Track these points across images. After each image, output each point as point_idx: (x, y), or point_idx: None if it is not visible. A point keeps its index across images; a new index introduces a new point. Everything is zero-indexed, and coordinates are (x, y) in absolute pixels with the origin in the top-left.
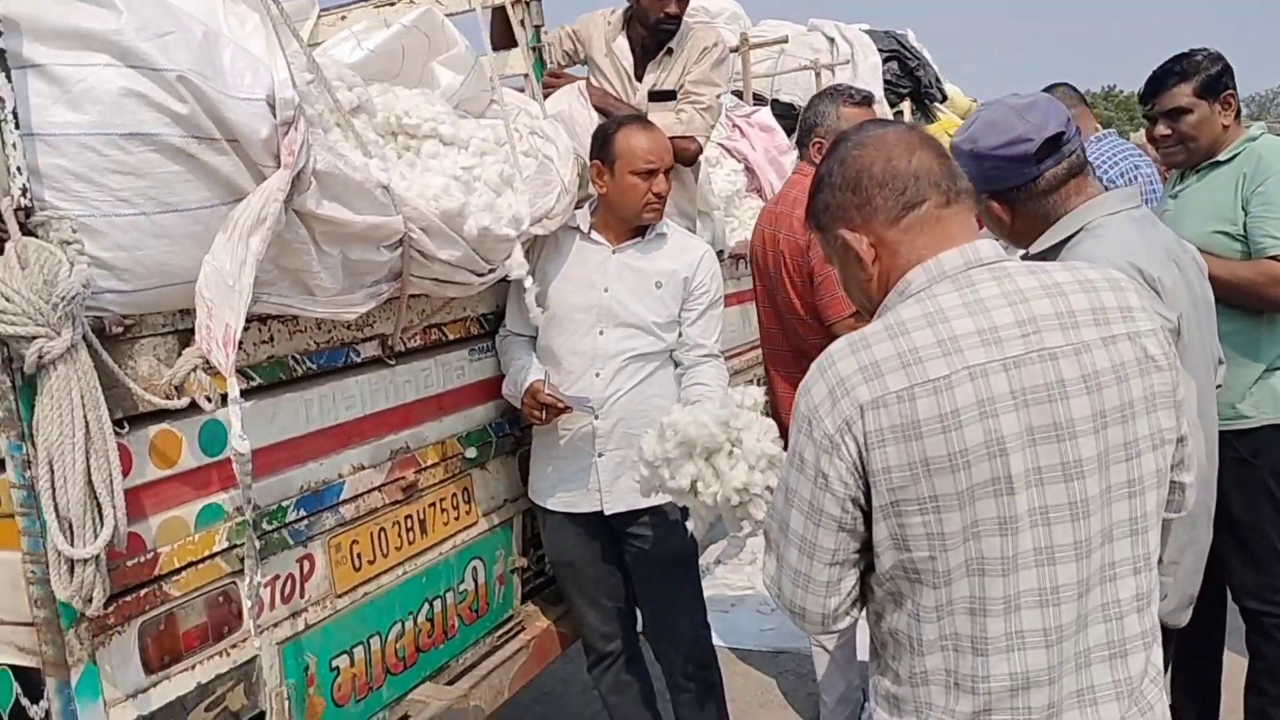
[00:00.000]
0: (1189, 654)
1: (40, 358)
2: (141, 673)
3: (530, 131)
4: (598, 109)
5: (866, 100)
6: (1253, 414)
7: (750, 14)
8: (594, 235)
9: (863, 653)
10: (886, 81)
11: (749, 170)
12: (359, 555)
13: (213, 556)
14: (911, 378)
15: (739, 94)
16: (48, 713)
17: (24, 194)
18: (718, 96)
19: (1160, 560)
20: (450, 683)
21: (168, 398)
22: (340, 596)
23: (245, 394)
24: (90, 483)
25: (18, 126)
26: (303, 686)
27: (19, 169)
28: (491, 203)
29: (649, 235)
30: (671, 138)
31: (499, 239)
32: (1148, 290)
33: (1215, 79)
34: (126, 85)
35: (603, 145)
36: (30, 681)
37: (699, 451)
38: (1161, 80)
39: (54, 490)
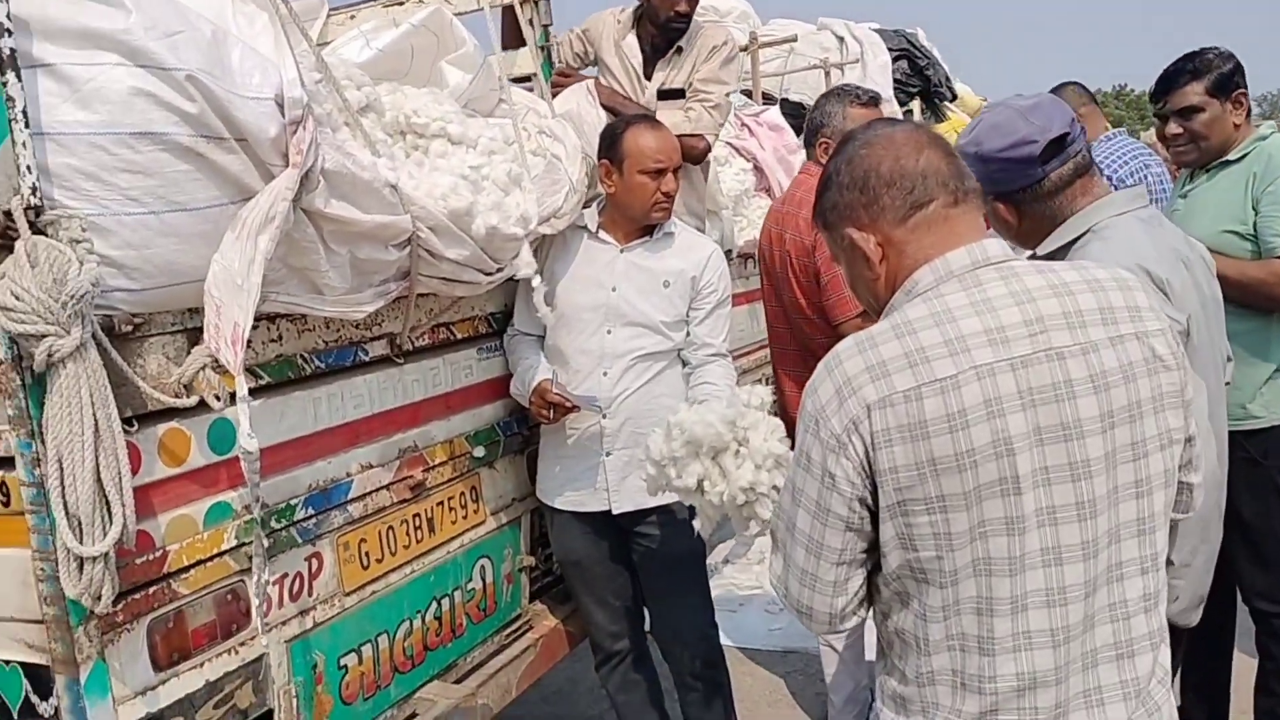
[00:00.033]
0: (1199, 654)
1: (50, 356)
2: (150, 670)
3: (538, 130)
4: (606, 108)
5: (874, 101)
6: (1263, 414)
7: (760, 13)
8: (602, 234)
9: (871, 652)
10: (896, 80)
11: (758, 169)
12: (367, 554)
13: (221, 554)
14: (919, 377)
15: (748, 93)
16: (57, 710)
17: (34, 193)
18: (727, 95)
19: (1172, 563)
20: (458, 681)
21: (176, 396)
22: (348, 595)
23: (254, 392)
24: (99, 481)
25: (28, 125)
26: (311, 684)
27: (29, 168)
28: (499, 202)
29: (657, 234)
30: (679, 136)
31: (507, 238)
32: (1156, 293)
33: (1227, 77)
34: (136, 84)
35: (611, 144)
36: (39, 678)
37: (705, 451)
38: (1173, 78)
39: (63, 488)
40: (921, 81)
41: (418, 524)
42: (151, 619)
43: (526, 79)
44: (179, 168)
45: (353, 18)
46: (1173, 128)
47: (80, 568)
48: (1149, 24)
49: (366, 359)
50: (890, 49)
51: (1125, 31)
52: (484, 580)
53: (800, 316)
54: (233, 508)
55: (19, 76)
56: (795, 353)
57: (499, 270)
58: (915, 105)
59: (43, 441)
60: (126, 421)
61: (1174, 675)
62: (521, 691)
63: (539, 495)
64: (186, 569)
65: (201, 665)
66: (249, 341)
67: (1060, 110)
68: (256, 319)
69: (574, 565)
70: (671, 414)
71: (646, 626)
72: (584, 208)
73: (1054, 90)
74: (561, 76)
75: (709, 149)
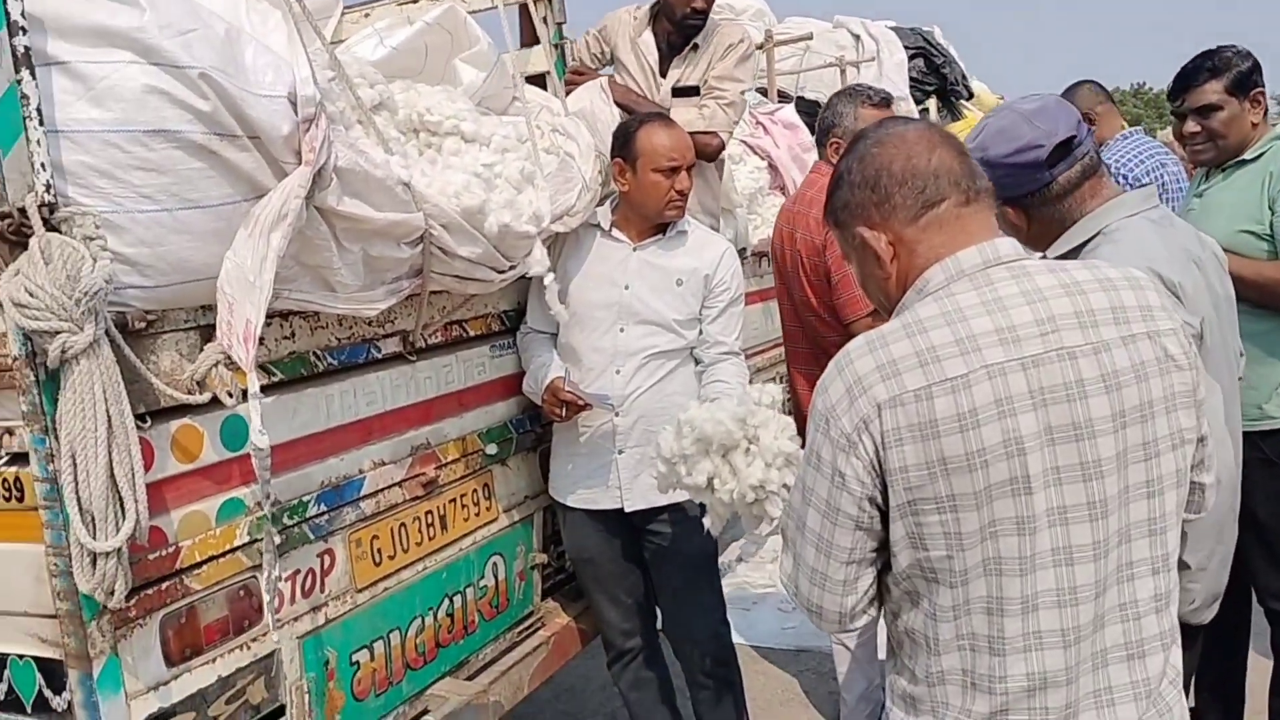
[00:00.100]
0: (1213, 655)
1: (63, 352)
2: (163, 665)
3: (552, 128)
4: (620, 106)
5: (885, 102)
6: (1278, 415)
7: (775, 10)
8: (615, 232)
9: (884, 651)
10: (912, 78)
11: (772, 168)
12: (379, 550)
13: (234, 551)
14: (929, 377)
15: (763, 91)
16: (70, 704)
17: (48, 190)
18: (742, 93)
19: (1187, 566)
20: (470, 678)
21: (189, 393)
22: (360, 591)
23: (267, 389)
24: (112, 476)
25: (42, 123)
26: (323, 680)
27: (43, 165)
28: (512, 200)
29: (670, 233)
30: (693, 133)
31: (519, 236)
32: (1169, 296)
33: (1246, 76)
34: (149, 82)
35: (624, 143)
36: (53, 673)
37: (716, 448)
38: (1192, 76)
39: (76, 484)
40: (938, 80)
41: (430, 521)
42: (164, 614)
43: (541, 77)
44: (192, 165)
45: (367, 15)
46: (1190, 126)
47: (93, 563)
48: (1168, 22)
49: (379, 356)
50: (906, 47)
51: (1144, 29)
52: (496, 577)
53: (812, 315)
54: (245, 504)
55: (33, 74)
56: (807, 351)
57: (512, 268)
58: (931, 104)
59: (56, 437)
60: (140, 418)
61: (1190, 675)
62: (533, 689)
63: (551, 493)
64: (199, 565)
65: (214, 661)
66: (262, 338)
67: (1066, 112)
68: (269, 316)
69: (586, 563)
70: (682, 412)
71: (658, 624)
72: (597, 206)
73: (1070, 89)
74: (575, 74)
75: (723, 146)
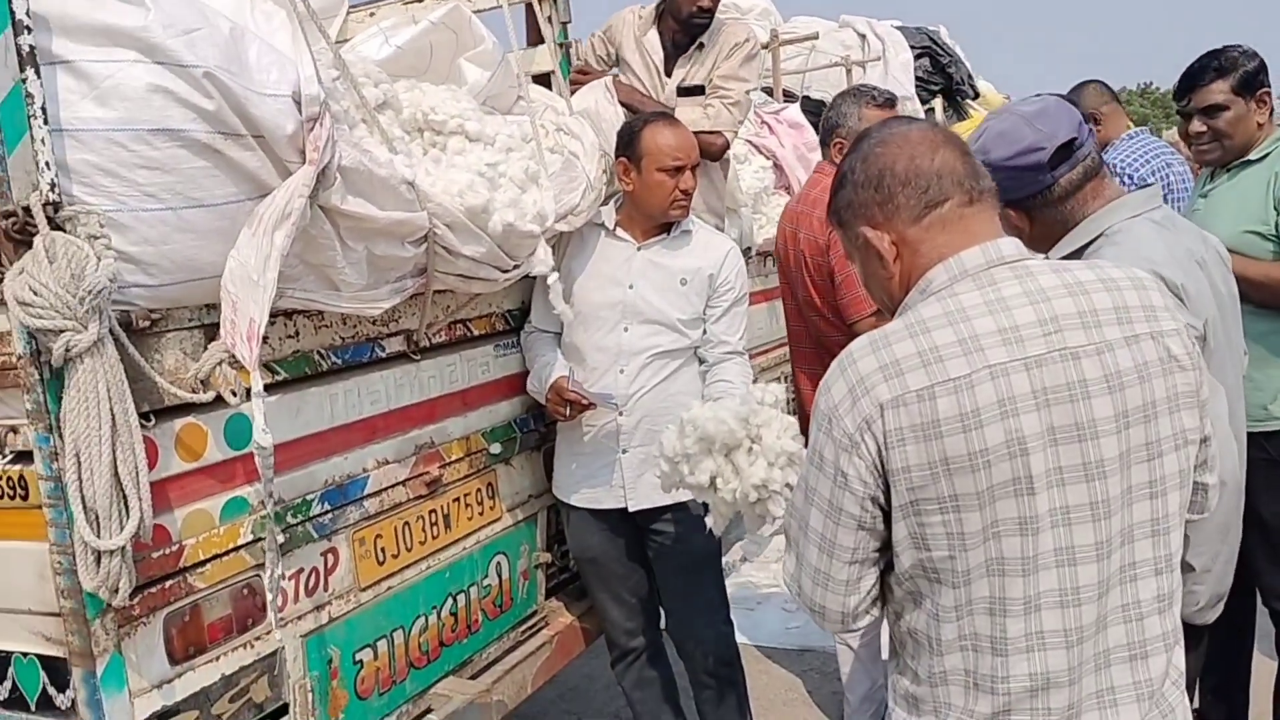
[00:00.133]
0: (1218, 655)
1: (67, 351)
2: (166, 663)
3: (556, 128)
4: (624, 105)
5: (890, 102)
6: None
7: (781, 10)
8: (619, 232)
9: (887, 652)
10: (918, 78)
11: (777, 167)
12: (383, 549)
13: (237, 549)
14: (932, 376)
15: (769, 90)
16: (74, 702)
17: (52, 189)
18: (747, 92)
19: (1192, 568)
20: (473, 677)
21: (193, 391)
22: (364, 590)
23: (270, 388)
24: (116, 475)
25: (46, 122)
26: (326, 679)
27: (47, 164)
28: (516, 199)
29: (674, 232)
30: (697, 133)
31: (523, 235)
32: (1172, 297)
33: (1252, 76)
34: (154, 81)
35: (629, 142)
36: (57, 671)
37: (718, 447)
38: (1198, 76)
39: (81, 482)
40: (944, 79)
41: (434, 520)
42: (168, 613)
43: (546, 76)
44: (196, 164)
45: (372, 15)
46: (1196, 126)
47: (97, 561)
48: (1176, 21)
49: (383, 355)
50: (912, 46)
51: (1152, 29)
52: (500, 576)
53: (815, 315)
54: (249, 503)
55: (38, 73)
56: (811, 351)
57: (516, 267)
58: (937, 103)
59: (60, 436)
60: (144, 416)
61: (1194, 676)
62: (537, 688)
63: (555, 492)
64: (203, 563)
65: (217, 659)
66: (265, 337)
67: (1067, 114)
68: (273, 315)
69: (590, 562)
70: (685, 411)
71: (662, 624)
72: (602, 205)
73: (1075, 88)
74: (580, 74)
75: (727, 146)
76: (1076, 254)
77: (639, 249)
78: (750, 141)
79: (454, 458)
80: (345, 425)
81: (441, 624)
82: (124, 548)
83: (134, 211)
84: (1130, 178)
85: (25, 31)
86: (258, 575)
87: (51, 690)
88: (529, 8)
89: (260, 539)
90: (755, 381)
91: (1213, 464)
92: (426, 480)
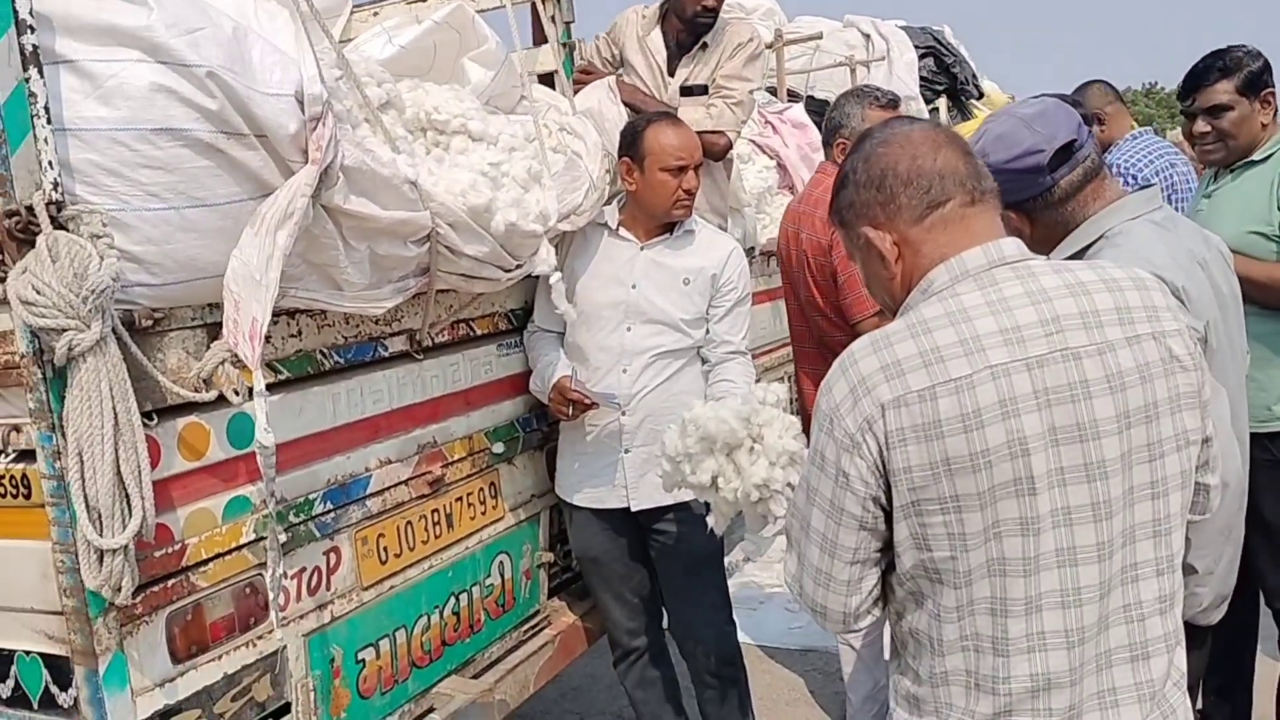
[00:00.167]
0: (1221, 656)
1: (70, 350)
2: (169, 662)
3: (559, 127)
4: (627, 105)
5: (893, 103)
6: None
7: (785, 10)
8: (622, 231)
9: (889, 652)
10: (922, 78)
11: (781, 167)
12: (385, 549)
13: (240, 548)
14: (933, 377)
15: (773, 90)
16: (76, 700)
17: (55, 188)
18: (750, 92)
19: (1195, 570)
20: (476, 677)
21: (196, 390)
22: (366, 589)
23: (273, 387)
24: (119, 474)
25: (49, 121)
26: (328, 678)
27: (50, 163)
28: (519, 199)
29: (677, 232)
30: (700, 133)
31: (526, 235)
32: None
33: (1256, 76)
34: (157, 81)
35: (632, 142)
36: (59, 669)
37: (720, 447)
38: (1202, 76)
39: (83, 481)
40: (948, 79)
41: (436, 519)
42: (170, 611)
43: (549, 76)
44: (199, 164)
45: (376, 14)
46: (1200, 126)
47: (100, 560)
48: (1181, 21)
49: (386, 354)
50: (916, 46)
51: (1157, 29)
52: (502, 576)
53: (817, 315)
54: (251, 502)
55: (41, 73)
56: (814, 351)
57: (518, 267)
58: (941, 103)
59: (63, 435)
60: (146, 415)
61: (1197, 677)
62: (539, 687)
63: (557, 492)
64: (205, 562)
65: (219, 658)
66: (268, 336)
67: (1066, 115)
68: (276, 314)
69: (592, 562)
70: (687, 410)
71: (664, 624)
72: (605, 205)
73: (1080, 88)
74: (583, 74)
75: (730, 146)
76: (1077, 256)
77: (642, 249)
78: (754, 141)
79: (456, 457)
80: (348, 424)
81: (444, 623)
82: (126, 546)
83: (137, 211)
84: (1134, 178)
85: (28, 31)
86: (260, 574)
87: (54, 689)
88: (532, 7)
89: (262, 538)
90: (758, 381)
91: (1214, 465)
92: (429, 479)
